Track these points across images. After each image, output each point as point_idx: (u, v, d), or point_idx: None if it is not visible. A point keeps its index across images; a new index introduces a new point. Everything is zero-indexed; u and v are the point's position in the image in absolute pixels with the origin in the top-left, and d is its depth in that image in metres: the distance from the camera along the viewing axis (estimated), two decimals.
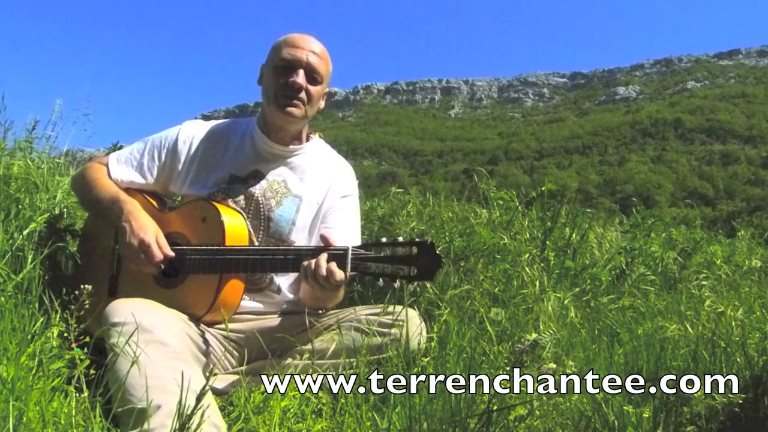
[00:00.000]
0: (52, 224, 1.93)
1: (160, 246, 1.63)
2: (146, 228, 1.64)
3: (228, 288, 1.64)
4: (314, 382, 1.62)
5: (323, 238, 1.57)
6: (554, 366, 1.50)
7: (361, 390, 1.52)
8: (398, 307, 1.74)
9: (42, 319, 1.48)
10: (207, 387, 1.09)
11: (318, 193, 1.85)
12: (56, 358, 1.39)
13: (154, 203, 1.81)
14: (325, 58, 1.79)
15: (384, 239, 1.53)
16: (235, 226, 1.68)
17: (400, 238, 1.51)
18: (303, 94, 1.75)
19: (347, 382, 1.54)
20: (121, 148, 2.29)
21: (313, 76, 1.76)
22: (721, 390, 1.43)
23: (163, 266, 1.64)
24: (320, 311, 1.80)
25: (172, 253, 1.64)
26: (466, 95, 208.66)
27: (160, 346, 1.39)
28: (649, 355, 1.74)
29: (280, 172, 1.84)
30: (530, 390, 1.41)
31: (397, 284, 1.48)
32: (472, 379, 1.42)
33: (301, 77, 1.73)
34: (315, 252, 1.55)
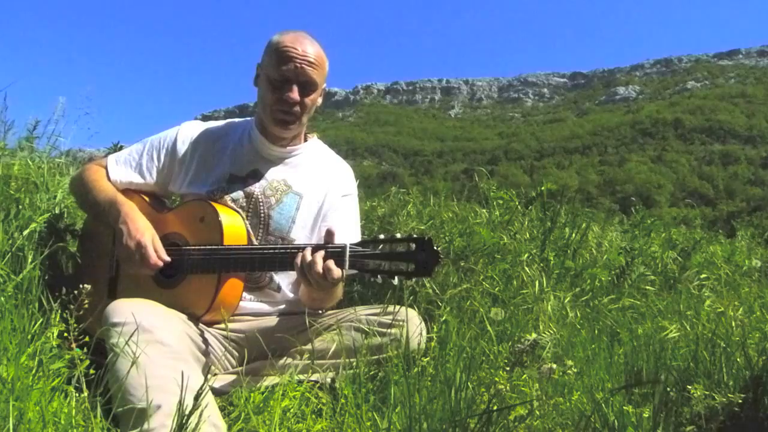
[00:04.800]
0: (52, 224, 1.93)
1: (156, 249, 1.63)
2: (143, 231, 1.64)
3: (227, 287, 1.64)
4: (314, 382, 1.62)
5: (329, 232, 1.56)
6: (554, 366, 1.50)
7: (361, 390, 1.52)
8: (398, 307, 1.74)
9: (42, 319, 1.48)
10: (206, 387, 1.09)
11: (318, 193, 1.85)
12: (56, 358, 1.39)
13: (152, 204, 1.81)
14: (320, 62, 1.74)
15: (382, 236, 1.52)
16: (234, 226, 1.68)
17: (398, 235, 1.51)
18: (297, 108, 1.73)
19: (347, 382, 1.54)
20: (121, 148, 2.29)
21: (307, 87, 1.73)
22: (721, 390, 1.43)
23: (159, 269, 1.64)
24: (319, 311, 1.80)
25: (167, 258, 1.64)
26: (466, 95, 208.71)
27: (160, 346, 1.39)
28: (649, 355, 1.74)
29: (279, 171, 1.83)
30: (530, 390, 1.41)
31: (395, 281, 1.47)
32: (472, 379, 1.42)
33: (295, 92, 1.70)
34: (313, 250, 1.54)
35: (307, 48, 1.71)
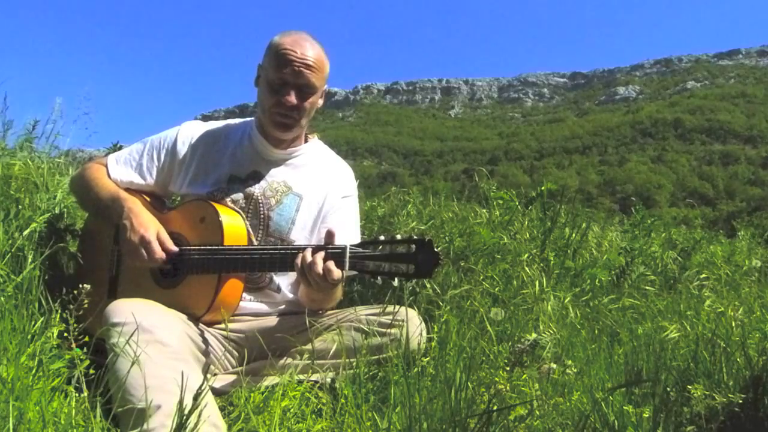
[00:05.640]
0: (52, 224, 1.93)
1: (162, 241, 1.63)
2: (147, 224, 1.64)
3: (227, 288, 1.64)
4: (314, 382, 1.62)
5: (329, 233, 1.56)
6: (554, 366, 1.50)
7: (361, 390, 1.52)
8: (398, 307, 1.74)
9: (42, 319, 1.48)
10: (205, 386, 1.09)
11: (318, 194, 1.85)
12: (56, 358, 1.39)
13: (153, 204, 1.81)
14: (319, 65, 1.72)
15: (382, 237, 1.52)
16: (234, 226, 1.68)
17: (398, 236, 1.51)
18: (296, 111, 1.73)
19: (347, 382, 1.54)
20: (120, 148, 2.29)
21: (305, 90, 1.72)
22: (721, 390, 1.43)
23: (165, 262, 1.63)
24: (319, 312, 1.80)
25: (175, 248, 1.63)
26: (466, 95, 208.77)
27: (160, 346, 1.39)
28: (649, 355, 1.74)
29: (279, 172, 1.83)
30: (530, 390, 1.41)
31: (395, 282, 1.47)
32: (472, 379, 1.42)
33: (292, 96, 1.70)
34: (314, 251, 1.54)
35: (307, 51, 1.70)
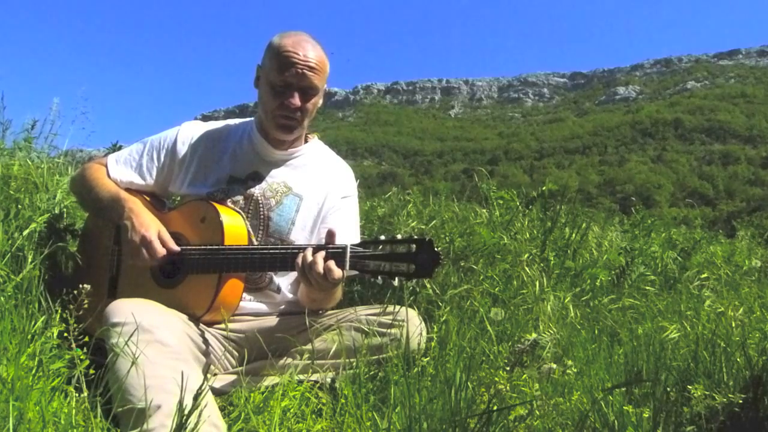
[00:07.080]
0: (52, 224, 1.93)
1: (163, 241, 1.63)
2: (148, 224, 1.64)
3: (227, 288, 1.64)
4: (314, 382, 1.62)
5: (330, 233, 1.56)
6: (554, 366, 1.50)
7: (361, 390, 1.52)
8: (398, 307, 1.74)
9: (42, 319, 1.48)
10: (205, 386, 1.09)
11: (318, 195, 1.85)
12: (56, 358, 1.39)
13: (153, 204, 1.81)
14: (321, 66, 1.72)
15: (382, 237, 1.52)
16: (234, 226, 1.68)
17: (399, 236, 1.51)
18: (299, 113, 1.73)
19: (347, 382, 1.54)
20: (120, 148, 2.29)
21: (309, 92, 1.72)
22: (721, 390, 1.43)
23: (166, 261, 1.63)
24: (319, 312, 1.80)
25: (176, 248, 1.64)
26: (466, 95, 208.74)
27: (160, 347, 1.39)
28: (649, 355, 1.74)
29: (280, 172, 1.83)
30: (530, 390, 1.41)
31: (396, 282, 1.47)
32: (472, 379, 1.42)
33: (297, 99, 1.70)
34: (314, 250, 1.54)
35: (309, 52, 1.70)
